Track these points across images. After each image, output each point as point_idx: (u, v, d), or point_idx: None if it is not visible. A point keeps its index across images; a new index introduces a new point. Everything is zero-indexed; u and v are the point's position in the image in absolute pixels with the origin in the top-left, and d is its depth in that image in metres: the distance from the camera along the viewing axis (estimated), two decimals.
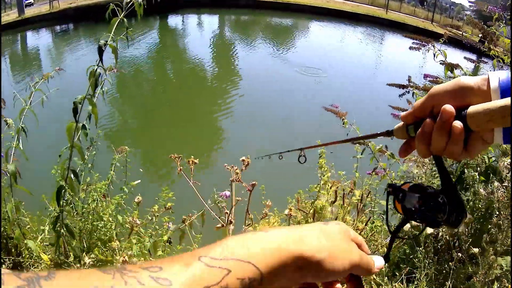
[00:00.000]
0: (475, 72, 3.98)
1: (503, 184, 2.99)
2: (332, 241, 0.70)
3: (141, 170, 6.00)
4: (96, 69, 2.96)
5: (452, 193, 0.81)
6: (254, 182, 2.66)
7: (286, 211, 3.18)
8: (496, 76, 0.79)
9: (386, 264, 3.51)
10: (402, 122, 0.91)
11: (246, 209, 2.80)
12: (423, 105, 0.85)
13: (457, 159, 0.83)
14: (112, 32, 2.95)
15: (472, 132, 0.79)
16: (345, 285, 0.81)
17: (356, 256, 0.73)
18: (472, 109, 0.77)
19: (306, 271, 0.65)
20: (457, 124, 0.77)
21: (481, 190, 3.11)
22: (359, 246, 0.78)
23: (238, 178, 2.66)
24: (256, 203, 3.01)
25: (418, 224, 3.16)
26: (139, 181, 3.70)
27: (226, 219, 2.71)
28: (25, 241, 3.44)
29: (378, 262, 0.80)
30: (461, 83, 0.81)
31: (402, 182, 0.94)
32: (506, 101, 0.72)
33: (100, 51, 2.94)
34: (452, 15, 46.58)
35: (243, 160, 2.68)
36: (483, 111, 0.75)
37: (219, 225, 2.71)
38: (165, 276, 0.49)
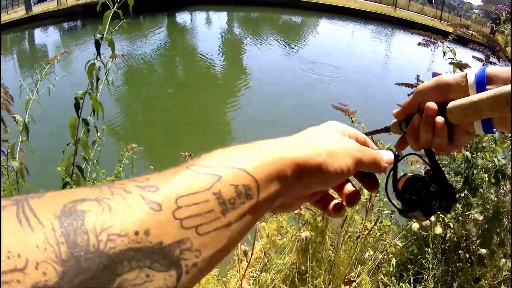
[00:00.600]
0: None
1: None
2: (328, 141, 0.70)
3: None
4: (95, 62, 2.96)
5: (442, 182, 0.85)
6: None
7: (296, 210, 3.16)
8: (473, 72, 0.83)
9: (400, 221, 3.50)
10: (396, 119, 0.96)
11: None
12: (411, 102, 0.90)
13: (445, 151, 0.89)
14: (109, 26, 2.95)
15: (454, 125, 0.83)
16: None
17: (356, 151, 0.72)
18: (450, 105, 0.82)
19: (308, 177, 0.64)
20: (439, 119, 0.82)
21: (492, 196, 3.09)
22: (363, 143, 0.79)
23: None
24: None
25: (426, 223, 3.16)
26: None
27: None
28: None
29: (387, 155, 0.81)
30: (442, 80, 0.86)
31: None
32: (478, 96, 0.76)
33: (97, 45, 2.96)
34: (461, 14, 46.51)
35: None
36: (458, 106, 0.80)
37: None
38: (151, 183, 0.48)
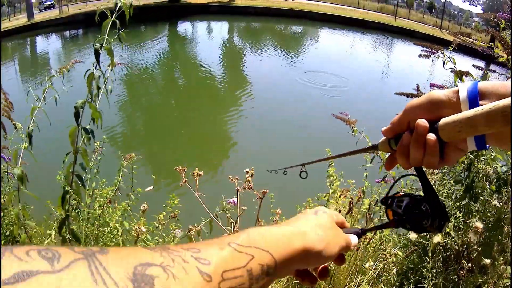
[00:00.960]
0: (483, 80, 3.95)
1: None
2: (325, 232, 0.84)
3: (154, 176, 6.02)
4: (94, 72, 2.97)
5: (434, 201, 0.88)
6: (265, 190, 2.68)
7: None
8: (465, 87, 0.82)
9: (395, 274, 3.53)
10: (385, 137, 0.96)
11: (257, 217, 2.80)
12: (400, 120, 0.90)
13: (435, 168, 0.88)
14: (108, 35, 2.96)
15: (446, 142, 0.83)
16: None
17: (343, 240, 0.90)
18: (442, 121, 0.82)
19: (308, 260, 0.79)
20: (431, 136, 0.82)
21: (495, 201, 3.08)
22: (342, 225, 0.97)
23: (250, 185, 2.67)
24: (263, 211, 3.01)
25: (424, 233, 3.15)
26: (152, 187, 3.70)
27: (232, 228, 2.72)
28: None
29: (353, 240, 0.96)
30: (432, 97, 0.85)
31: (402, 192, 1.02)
32: (473, 112, 0.75)
33: (97, 54, 3.00)
34: (461, 22, 46.64)
35: (246, 172, 2.71)
36: (452, 123, 0.79)
37: (225, 234, 2.70)
38: (204, 256, 0.58)
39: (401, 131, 0.89)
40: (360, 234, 0.99)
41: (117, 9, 3.00)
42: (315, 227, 0.84)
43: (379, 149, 0.99)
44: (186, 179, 2.83)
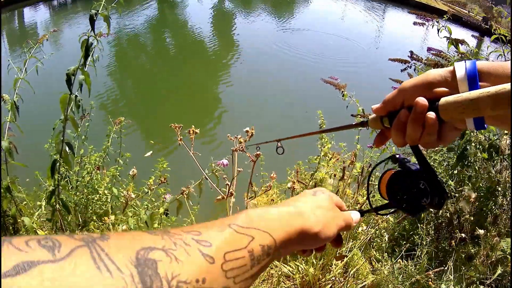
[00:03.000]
0: (478, 47, 3.94)
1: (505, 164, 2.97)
2: (323, 213, 0.85)
3: (152, 142, 6.00)
4: (88, 38, 2.92)
5: (432, 178, 0.86)
6: (258, 152, 2.62)
7: (289, 184, 3.16)
8: (462, 66, 0.81)
9: (386, 236, 3.53)
10: (375, 114, 0.95)
11: (249, 181, 2.76)
12: (394, 99, 0.89)
13: (432, 147, 0.88)
14: (104, 1, 2.91)
15: (444, 122, 0.82)
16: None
17: (341, 220, 0.89)
18: (444, 101, 0.80)
19: (306, 241, 0.79)
20: (431, 115, 0.81)
21: (491, 168, 3.08)
22: (340, 207, 0.95)
23: (242, 147, 2.61)
24: (254, 174, 2.99)
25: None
26: (151, 152, 3.64)
27: (227, 190, 2.66)
28: (22, 218, 3.41)
29: (355, 216, 0.96)
30: (429, 77, 0.84)
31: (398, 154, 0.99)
32: (477, 93, 0.75)
33: (92, 20, 2.94)
34: None
35: (246, 131, 2.63)
36: (454, 103, 0.78)
37: (219, 197, 2.65)
38: (205, 238, 0.59)
39: (394, 109, 0.89)
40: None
41: None
42: (314, 208, 0.84)
43: (369, 125, 0.97)
44: (181, 137, 2.78)
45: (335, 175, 3.45)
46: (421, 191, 0.87)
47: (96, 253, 0.46)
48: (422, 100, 0.81)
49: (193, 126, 2.75)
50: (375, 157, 3.72)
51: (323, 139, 3.56)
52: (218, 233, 0.62)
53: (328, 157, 3.53)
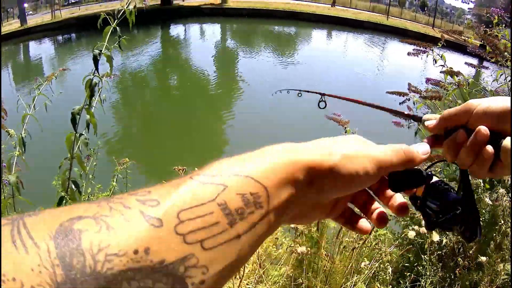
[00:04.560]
0: (476, 78, 3.96)
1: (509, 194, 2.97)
2: (343, 145, 0.64)
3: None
4: (93, 78, 2.97)
5: (471, 208, 0.74)
6: None
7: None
8: None
9: (390, 273, 3.52)
10: (434, 118, 0.83)
11: None
12: (458, 117, 0.78)
13: (479, 177, 0.80)
14: (106, 41, 2.95)
15: (500, 160, 0.73)
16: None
17: (379, 153, 0.65)
18: (507, 145, 0.70)
19: (320, 181, 0.58)
20: (489, 149, 0.72)
21: (487, 199, 3.08)
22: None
23: None
24: None
25: (423, 231, 3.15)
26: None
27: None
28: None
29: (422, 147, 0.73)
30: (504, 107, 0.73)
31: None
32: None
33: (95, 60, 2.95)
34: (453, 20, 46.63)
35: None
36: None
37: None
38: (152, 197, 0.45)
39: (453, 123, 0.79)
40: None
41: (119, 15, 2.99)
42: (328, 140, 0.66)
43: (422, 123, 0.86)
44: None
45: None
46: (457, 217, 0.73)
47: (16, 231, 0.39)
48: (484, 130, 0.72)
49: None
50: None
51: None
52: (172, 188, 0.48)
53: None
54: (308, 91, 1.41)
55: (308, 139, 0.64)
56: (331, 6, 38.88)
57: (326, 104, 1.35)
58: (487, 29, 3.31)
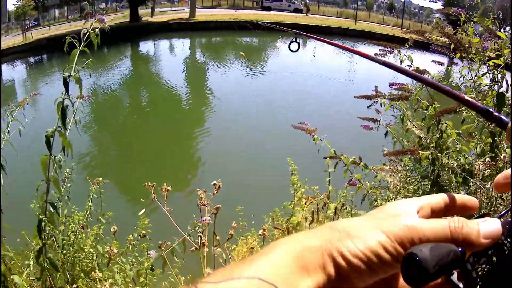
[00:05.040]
0: (447, 75, 4.01)
1: (486, 186, 3.01)
2: (351, 221, 0.55)
3: (142, 200, 6.02)
4: (63, 100, 2.99)
5: None
6: (218, 206, 2.73)
7: (260, 231, 3.19)
8: None
9: None
10: None
11: (213, 231, 2.84)
12: None
13: None
14: (75, 63, 2.97)
15: None
16: None
17: (397, 220, 0.52)
18: None
19: (313, 271, 0.50)
20: None
21: (462, 193, 3.12)
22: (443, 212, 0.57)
23: (203, 202, 2.71)
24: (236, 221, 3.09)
25: None
26: (144, 210, 3.63)
27: (199, 242, 2.75)
28: (12, 276, 3.42)
29: (488, 225, 0.52)
30: None
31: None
32: None
33: (65, 83, 2.99)
34: (422, 19, 47.16)
35: (214, 185, 2.75)
36: None
37: (193, 248, 2.75)
38: None
39: None
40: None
41: (85, 38, 3.02)
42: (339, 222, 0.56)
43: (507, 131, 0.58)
44: (155, 195, 2.87)
45: (306, 218, 3.48)
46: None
47: None
48: None
49: (165, 184, 2.84)
50: (349, 196, 3.75)
51: (295, 185, 3.61)
52: None
53: (303, 201, 3.55)
54: (283, 30, 1.42)
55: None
56: (306, 15, 39.29)
57: (299, 47, 1.35)
58: (452, 27, 3.37)
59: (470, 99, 0.68)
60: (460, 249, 0.51)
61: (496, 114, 0.60)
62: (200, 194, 2.74)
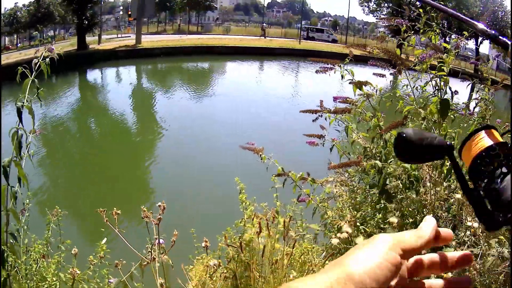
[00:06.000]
0: (393, 87, 4.13)
1: (436, 189, 3.11)
2: (341, 258, 0.62)
3: (103, 229, 5.98)
4: (17, 130, 3.02)
5: None
6: (160, 217, 2.81)
7: (203, 243, 3.39)
8: None
9: None
10: None
11: (157, 241, 2.94)
12: None
13: None
14: (27, 93, 3.01)
15: None
16: None
17: (381, 250, 0.61)
18: None
19: None
20: None
21: (413, 195, 3.21)
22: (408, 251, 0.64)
23: (146, 215, 2.86)
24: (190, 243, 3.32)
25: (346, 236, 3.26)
26: (105, 239, 3.66)
27: (150, 256, 2.88)
28: None
29: (426, 225, 0.65)
30: None
31: None
32: None
33: (19, 113, 3.02)
34: (366, 35, 48.09)
35: (159, 206, 2.88)
36: None
37: (145, 262, 2.85)
38: None
39: None
40: None
41: (35, 68, 3.06)
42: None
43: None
44: (107, 219, 2.95)
45: (258, 233, 3.55)
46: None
47: None
48: None
49: (115, 208, 2.94)
50: (298, 210, 3.82)
51: (244, 203, 3.70)
52: None
53: (254, 220, 3.60)
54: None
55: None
56: (264, 38, 39.79)
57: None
58: (395, 38, 3.50)
59: (482, 27, 0.83)
60: (448, 142, 0.67)
61: (501, 37, 0.77)
62: (143, 208, 2.84)
